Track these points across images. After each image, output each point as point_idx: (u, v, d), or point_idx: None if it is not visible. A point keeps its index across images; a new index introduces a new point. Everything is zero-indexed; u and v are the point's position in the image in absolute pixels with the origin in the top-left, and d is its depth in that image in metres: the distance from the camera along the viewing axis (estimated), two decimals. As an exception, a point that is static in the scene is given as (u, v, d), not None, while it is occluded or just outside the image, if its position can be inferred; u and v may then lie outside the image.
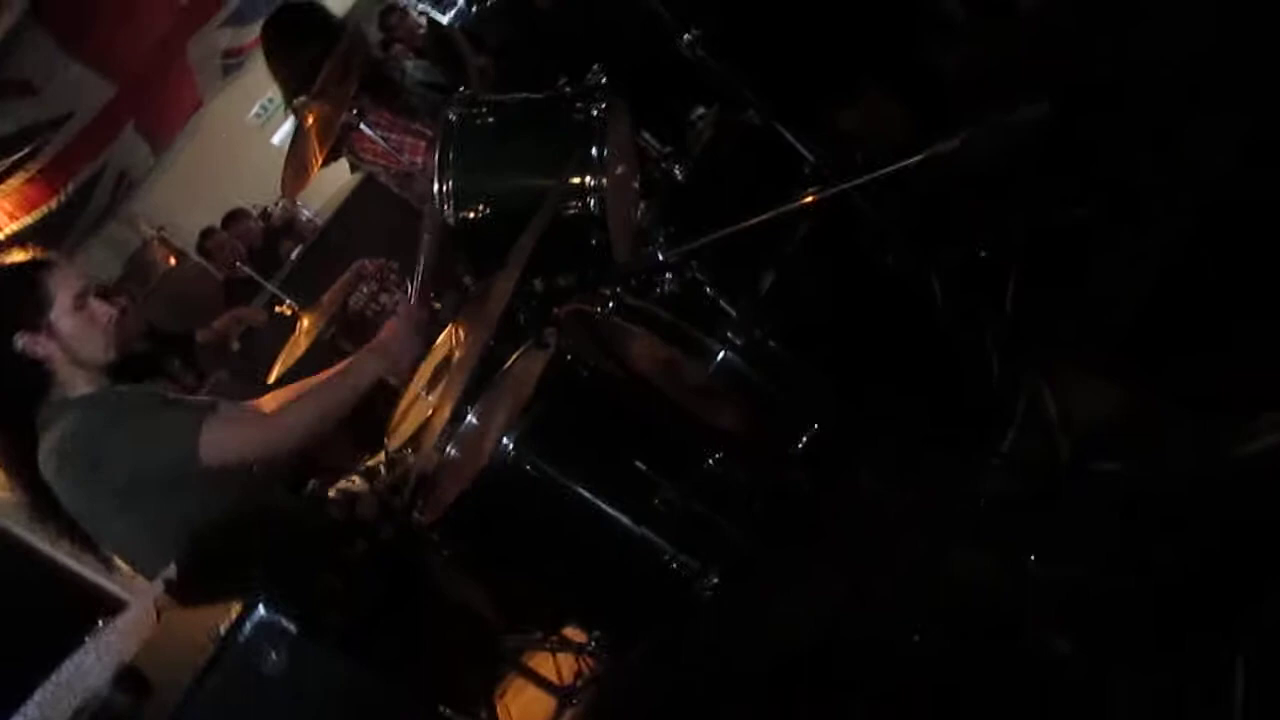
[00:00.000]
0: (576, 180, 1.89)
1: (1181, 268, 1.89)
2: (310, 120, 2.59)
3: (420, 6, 6.38)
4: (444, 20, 6.38)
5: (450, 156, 1.95)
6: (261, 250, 6.40)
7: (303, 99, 2.61)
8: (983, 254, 2.24)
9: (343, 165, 3.80)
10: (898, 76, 2.86)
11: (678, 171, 2.25)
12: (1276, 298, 1.73)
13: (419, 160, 3.14)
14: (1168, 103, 2.19)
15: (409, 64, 4.28)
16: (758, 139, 2.25)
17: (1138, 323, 1.84)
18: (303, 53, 3.17)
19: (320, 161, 2.49)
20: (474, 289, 2.22)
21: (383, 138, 2.92)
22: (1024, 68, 2.75)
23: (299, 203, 7.75)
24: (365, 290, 5.49)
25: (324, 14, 3.49)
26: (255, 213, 7.71)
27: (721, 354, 1.82)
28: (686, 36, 1.89)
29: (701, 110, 2.50)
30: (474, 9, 4.59)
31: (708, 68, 1.95)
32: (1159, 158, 2.13)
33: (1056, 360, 1.82)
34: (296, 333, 2.92)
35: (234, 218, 7.16)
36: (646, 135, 2.37)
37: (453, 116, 1.98)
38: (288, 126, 8.80)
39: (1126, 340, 1.82)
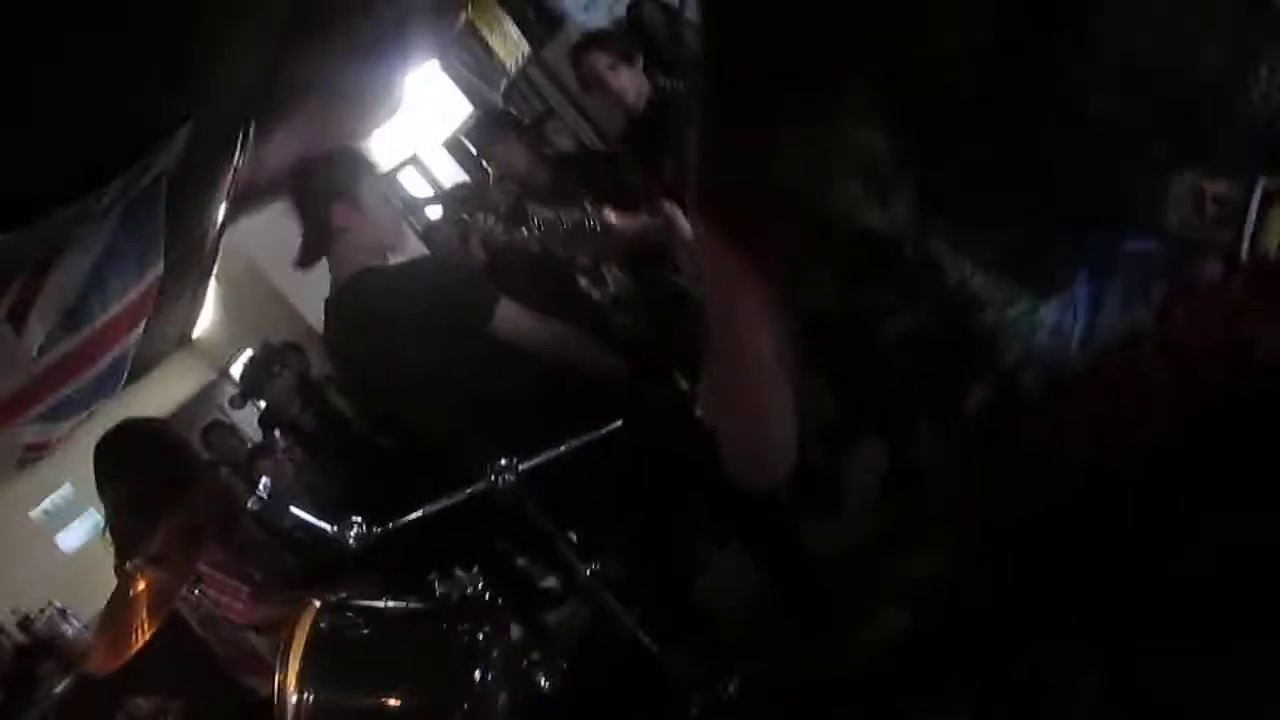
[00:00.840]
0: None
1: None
2: (141, 586, 2.36)
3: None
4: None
5: (315, 670, 1.77)
6: (14, 672, 5.58)
7: (137, 562, 2.39)
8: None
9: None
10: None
11: (543, 680, 2.16)
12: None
13: (239, 607, 2.93)
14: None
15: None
16: (629, 653, 2.21)
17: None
18: (138, 483, 2.99)
19: (146, 638, 2.23)
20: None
21: (206, 575, 2.75)
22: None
23: (68, 613, 7.03)
24: (135, 733, 4.85)
25: (171, 441, 3.33)
26: (14, 619, 6.91)
27: None
28: (589, 570, 1.87)
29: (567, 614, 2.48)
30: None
31: (600, 599, 1.91)
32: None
33: None
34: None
35: None
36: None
37: (323, 625, 1.83)
38: (79, 531, 8.24)
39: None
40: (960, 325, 0.82)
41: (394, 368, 2.57)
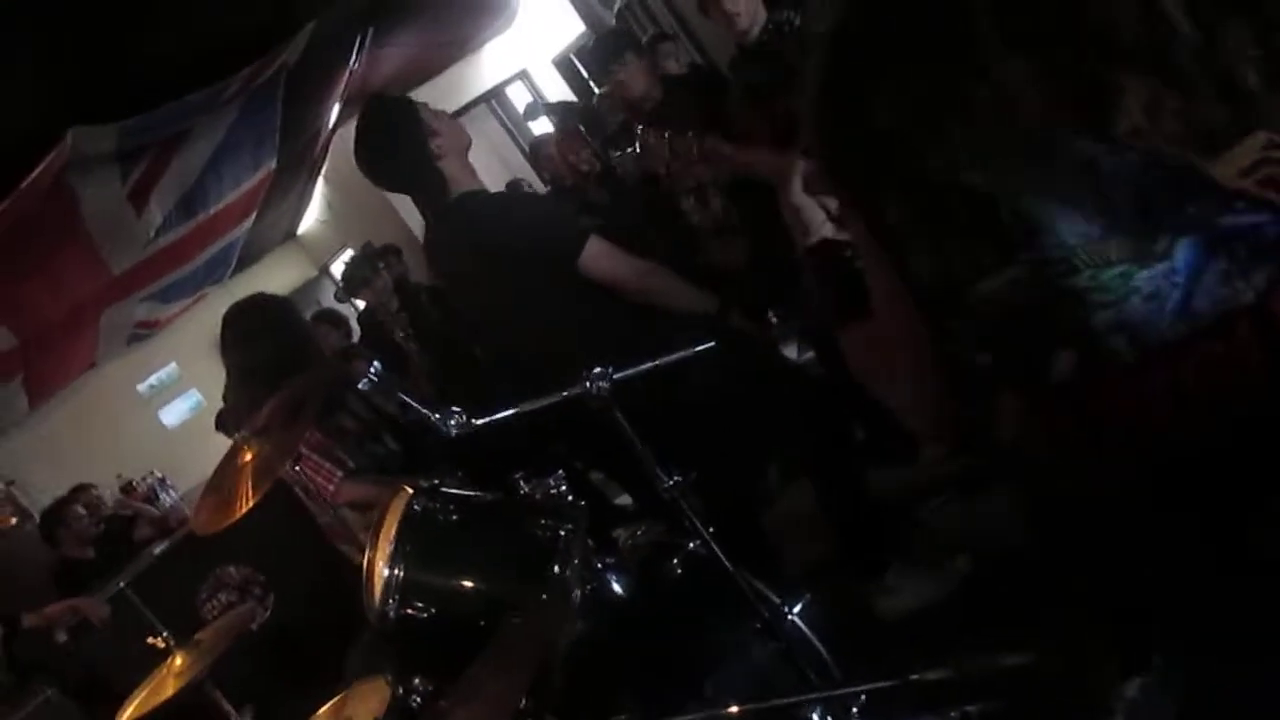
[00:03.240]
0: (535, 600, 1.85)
1: None
2: (247, 456, 2.49)
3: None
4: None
5: (406, 549, 1.89)
6: (110, 530, 5.86)
7: (244, 433, 2.53)
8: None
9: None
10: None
11: (615, 584, 2.26)
12: None
13: (330, 488, 3.09)
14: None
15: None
16: (700, 568, 2.28)
17: None
18: (259, 353, 3.16)
19: (249, 505, 2.37)
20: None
21: (304, 455, 2.93)
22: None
23: (166, 481, 7.41)
24: (222, 598, 5.13)
25: (295, 320, 3.49)
26: (118, 484, 7.32)
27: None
28: (670, 481, 1.94)
29: (638, 530, 2.56)
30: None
31: (680, 509, 1.98)
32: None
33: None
34: (164, 671, 2.63)
35: (83, 490, 6.57)
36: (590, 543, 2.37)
37: (415, 507, 1.94)
38: (180, 408, 8.65)
39: None
40: (1053, 286, 0.81)
41: (484, 286, 2.68)
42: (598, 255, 2.56)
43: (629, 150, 2.87)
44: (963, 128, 0.81)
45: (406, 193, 2.75)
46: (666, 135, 2.50)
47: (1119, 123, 0.76)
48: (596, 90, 5.16)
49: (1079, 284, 0.80)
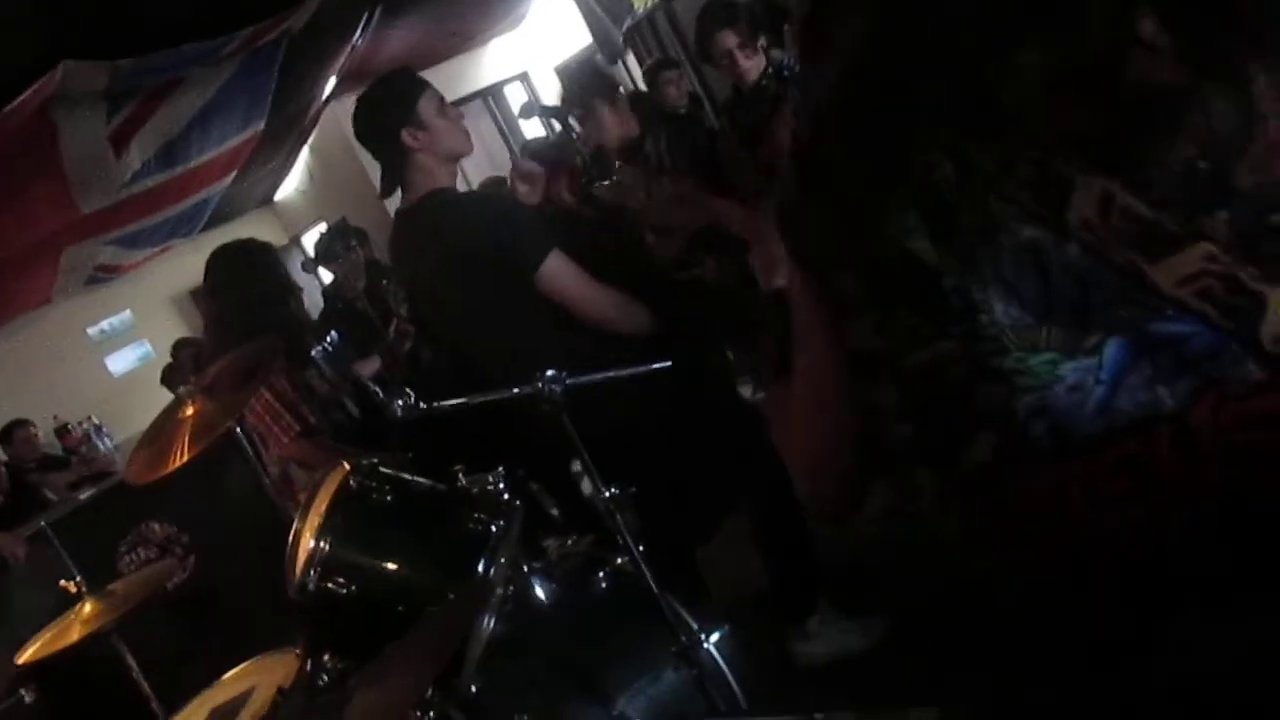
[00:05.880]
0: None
1: None
2: (189, 411, 2.47)
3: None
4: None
5: (335, 523, 1.88)
6: (19, 483, 5.68)
7: (189, 388, 2.50)
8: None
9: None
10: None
11: (539, 590, 2.26)
12: None
13: (285, 439, 3.06)
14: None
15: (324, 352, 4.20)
16: (626, 585, 2.29)
17: None
18: (234, 297, 3.15)
19: (183, 461, 2.35)
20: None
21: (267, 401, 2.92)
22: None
23: (103, 430, 7.30)
24: (141, 554, 5.05)
25: (268, 262, 3.45)
26: (53, 425, 7.20)
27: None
28: (605, 494, 1.95)
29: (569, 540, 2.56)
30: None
31: (614, 523, 1.99)
32: None
33: None
34: (71, 617, 2.59)
35: (20, 425, 6.41)
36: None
37: (352, 483, 1.94)
38: (128, 357, 8.52)
39: None
40: (981, 364, 0.82)
41: (442, 287, 2.63)
42: (556, 272, 2.47)
43: (607, 182, 2.86)
44: (917, 200, 0.83)
45: (379, 161, 2.68)
46: (643, 172, 2.52)
47: (1070, 214, 0.78)
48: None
49: (1005, 365, 0.81)
